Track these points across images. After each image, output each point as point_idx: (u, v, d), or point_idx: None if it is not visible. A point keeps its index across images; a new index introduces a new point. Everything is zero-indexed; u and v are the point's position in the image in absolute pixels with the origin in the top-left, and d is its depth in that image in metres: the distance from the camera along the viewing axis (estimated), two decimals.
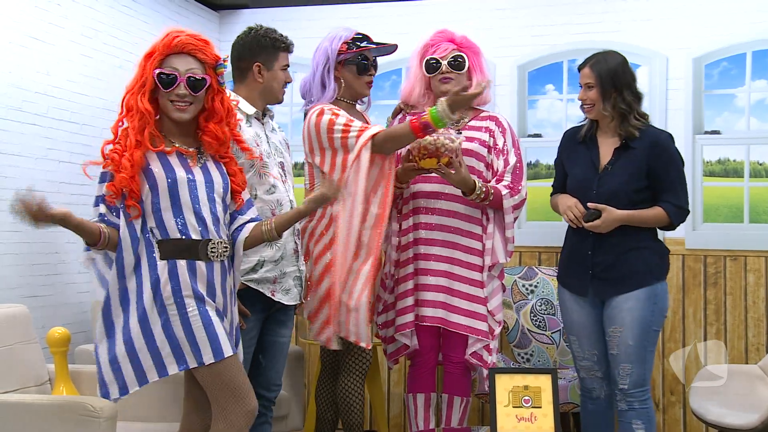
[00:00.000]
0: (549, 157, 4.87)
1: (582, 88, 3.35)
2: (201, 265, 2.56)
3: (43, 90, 3.91)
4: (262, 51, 3.08)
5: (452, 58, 3.48)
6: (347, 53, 3.38)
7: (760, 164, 4.57)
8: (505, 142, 3.58)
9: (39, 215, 2.32)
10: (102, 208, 2.55)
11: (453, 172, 3.32)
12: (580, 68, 3.38)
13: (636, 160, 3.30)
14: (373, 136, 3.23)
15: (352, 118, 3.29)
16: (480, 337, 3.46)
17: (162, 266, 2.52)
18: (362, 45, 3.40)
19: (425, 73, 3.52)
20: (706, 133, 4.59)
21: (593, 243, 3.33)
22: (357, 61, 3.39)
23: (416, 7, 5.01)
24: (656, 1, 4.66)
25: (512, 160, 3.56)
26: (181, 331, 2.49)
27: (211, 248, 2.58)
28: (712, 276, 4.51)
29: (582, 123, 3.50)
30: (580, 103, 3.41)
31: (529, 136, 4.87)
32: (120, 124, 2.59)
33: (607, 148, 3.37)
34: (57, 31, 4.00)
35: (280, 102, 3.16)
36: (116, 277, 2.53)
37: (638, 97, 3.35)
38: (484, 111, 3.63)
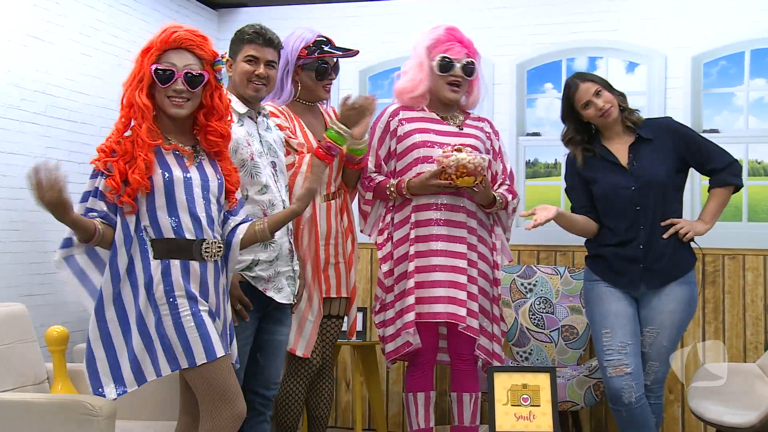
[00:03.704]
0: (548, 156, 4.88)
1: (592, 102, 3.38)
2: (195, 265, 2.54)
3: (42, 89, 3.91)
4: (231, 46, 3.10)
5: (465, 63, 3.46)
6: (307, 58, 3.35)
7: (759, 163, 4.57)
8: (500, 145, 3.64)
9: (49, 191, 2.27)
10: (100, 204, 2.51)
11: (484, 189, 3.38)
12: (573, 91, 3.43)
13: (657, 149, 3.40)
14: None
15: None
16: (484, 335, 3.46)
17: (155, 266, 2.51)
18: (323, 50, 3.36)
19: (437, 71, 3.45)
20: (705, 131, 4.58)
21: (646, 236, 3.37)
22: (316, 66, 3.36)
23: (415, 6, 5.00)
24: (655, 0, 4.67)
25: (508, 164, 3.64)
26: (173, 331, 2.47)
27: (205, 248, 2.56)
28: (711, 275, 4.51)
29: (568, 153, 3.55)
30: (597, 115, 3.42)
31: (528, 134, 4.88)
32: (123, 120, 2.55)
33: (620, 149, 3.44)
34: (56, 30, 3.99)
35: (248, 97, 3.06)
36: (110, 279, 2.51)
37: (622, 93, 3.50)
38: (472, 112, 3.65)
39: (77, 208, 2.50)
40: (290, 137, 3.29)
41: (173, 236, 2.53)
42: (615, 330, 3.37)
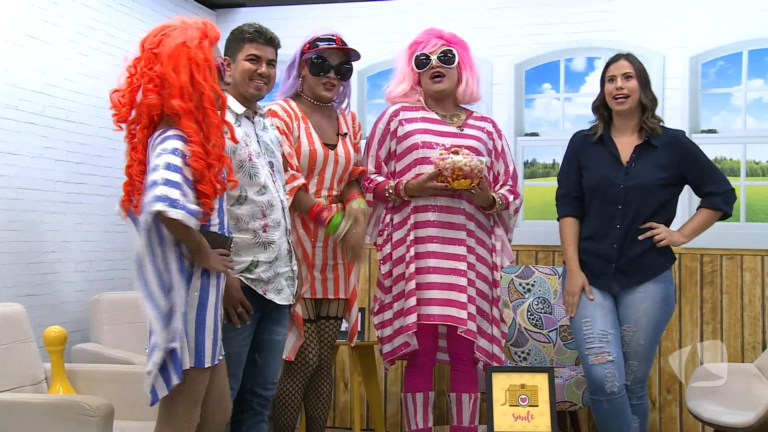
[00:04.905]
0: (546, 156, 4.88)
1: (617, 79, 3.37)
2: None
3: (40, 89, 3.91)
4: (229, 45, 3.10)
5: (441, 53, 3.46)
6: (308, 52, 3.37)
7: (757, 163, 4.57)
8: (503, 145, 3.61)
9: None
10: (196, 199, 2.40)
11: (481, 191, 3.36)
12: (612, 61, 3.42)
13: (660, 157, 3.37)
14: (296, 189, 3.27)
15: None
16: (485, 338, 3.46)
17: None
18: (321, 45, 3.36)
19: (414, 68, 3.51)
20: (703, 132, 4.59)
21: (622, 236, 3.35)
22: (312, 60, 3.36)
23: (413, 6, 5.00)
24: (653, 1, 4.67)
25: (511, 165, 3.62)
26: (192, 325, 2.45)
27: (232, 245, 2.63)
28: (709, 275, 4.51)
29: (592, 124, 3.52)
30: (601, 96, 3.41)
31: (526, 134, 4.88)
32: (209, 114, 2.44)
33: (626, 145, 3.42)
34: (54, 30, 3.99)
35: (249, 96, 3.06)
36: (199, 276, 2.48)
37: (655, 97, 3.46)
38: (475, 111, 3.63)
39: (192, 222, 2.34)
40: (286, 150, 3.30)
41: (217, 231, 2.56)
42: (595, 318, 3.35)
